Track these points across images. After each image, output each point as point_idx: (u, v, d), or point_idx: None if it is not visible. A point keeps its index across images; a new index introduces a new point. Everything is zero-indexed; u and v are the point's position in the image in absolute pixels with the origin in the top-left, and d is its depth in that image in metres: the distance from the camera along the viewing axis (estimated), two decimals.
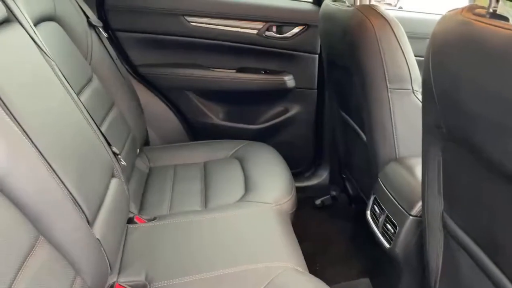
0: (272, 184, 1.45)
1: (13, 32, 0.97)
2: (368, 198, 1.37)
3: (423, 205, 0.94)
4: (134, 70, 1.81)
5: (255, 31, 1.81)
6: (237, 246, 1.15)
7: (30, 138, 0.84)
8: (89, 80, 1.42)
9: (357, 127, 1.46)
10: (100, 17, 1.66)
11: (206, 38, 1.81)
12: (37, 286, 0.73)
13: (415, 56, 1.21)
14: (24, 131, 0.84)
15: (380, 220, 1.25)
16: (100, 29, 1.59)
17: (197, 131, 1.95)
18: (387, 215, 1.21)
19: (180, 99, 1.89)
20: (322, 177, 2.06)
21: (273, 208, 1.33)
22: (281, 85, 1.89)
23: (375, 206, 1.30)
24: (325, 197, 2.01)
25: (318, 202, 2.00)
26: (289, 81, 1.89)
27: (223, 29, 1.80)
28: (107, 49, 1.61)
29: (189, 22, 1.77)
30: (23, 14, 1.05)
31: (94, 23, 1.55)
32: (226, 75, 1.87)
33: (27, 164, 0.80)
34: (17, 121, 0.83)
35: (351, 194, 1.78)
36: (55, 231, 0.81)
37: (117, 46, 1.74)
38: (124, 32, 1.75)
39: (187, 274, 1.02)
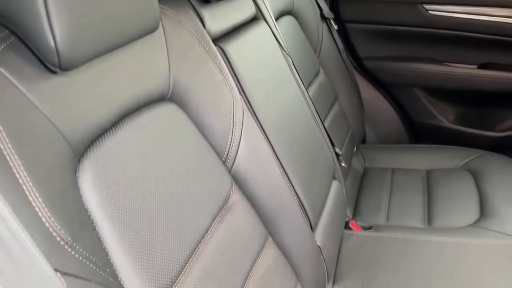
0: None
1: (260, 29, 1.00)
2: None
3: None
4: (359, 63, 1.72)
5: (511, 20, 1.49)
6: (466, 282, 0.96)
7: (267, 136, 0.85)
8: (317, 74, 1.40)
9: None
10: (331, 9, 1.63)
11: (446, 28, 1.57)
12: None
13: None
14: (262, 129, 0.85)
15: None
16: (332, 21, 1.56)
17: (420, 133, 1.75)
18: None
19: (405, 96, 1.72)
20: None
21: None
22: None
23: None
24: None
25: None
26: None
27: (468, 18, 1.53)
28: (335, 42, 1.57)
29: (427, 10, 1.57)
30: (268, 11, 1.07)
31: (326, 15, 1.53)
32: (464, 71, 1.60)
33: (264, 165, 0.80)
34: (257, 118, 0.85)
35: None
36: (282, 235, 0.80)
37: (345, 38, 1.69)
38: (353, 24, 1.68)
39: None
